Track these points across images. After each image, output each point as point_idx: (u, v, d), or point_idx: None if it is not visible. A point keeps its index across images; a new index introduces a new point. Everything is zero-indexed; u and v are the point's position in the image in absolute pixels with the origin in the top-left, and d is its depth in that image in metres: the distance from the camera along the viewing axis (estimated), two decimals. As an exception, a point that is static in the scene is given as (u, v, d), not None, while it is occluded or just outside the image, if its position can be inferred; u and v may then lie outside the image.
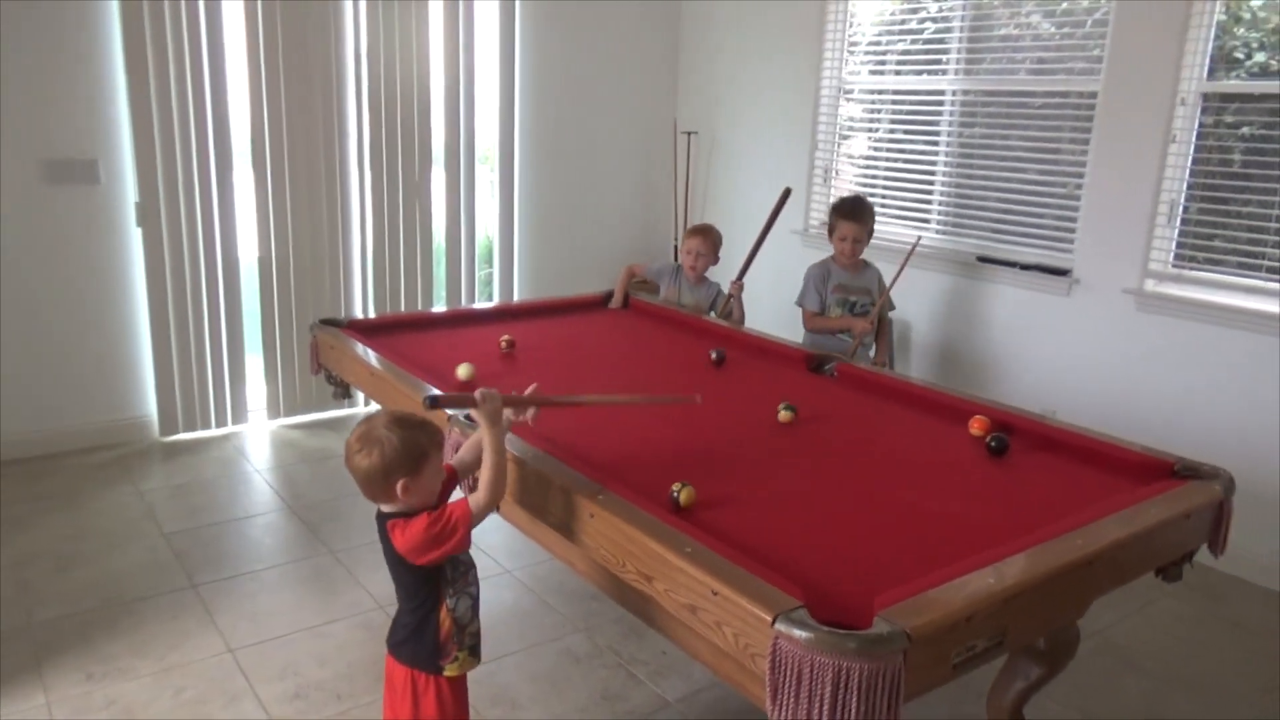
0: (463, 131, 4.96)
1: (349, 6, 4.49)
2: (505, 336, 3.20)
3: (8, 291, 3.98)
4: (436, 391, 1.82)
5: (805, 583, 1.59)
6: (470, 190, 5.07)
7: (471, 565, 1.91)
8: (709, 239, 4.04)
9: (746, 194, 5.38)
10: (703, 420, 2.55)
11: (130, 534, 3.48)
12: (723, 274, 4.20)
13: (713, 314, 3.93)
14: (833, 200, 4.51)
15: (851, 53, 4.92)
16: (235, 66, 4.29)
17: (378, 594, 3.10)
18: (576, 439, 2.28)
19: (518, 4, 5.05)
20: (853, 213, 3.96)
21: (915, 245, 4.10)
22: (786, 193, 4.17)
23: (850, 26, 4.89)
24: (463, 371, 2.74)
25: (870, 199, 4.38)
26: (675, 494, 1.91)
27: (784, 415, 2.53)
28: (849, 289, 4.02)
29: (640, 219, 5.80)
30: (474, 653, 1.93)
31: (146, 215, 4.17)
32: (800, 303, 4.11)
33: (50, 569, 3.21)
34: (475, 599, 1.89)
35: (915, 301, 4.55)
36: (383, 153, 4.72)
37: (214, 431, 4.54)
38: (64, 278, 4.09)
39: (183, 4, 4.08)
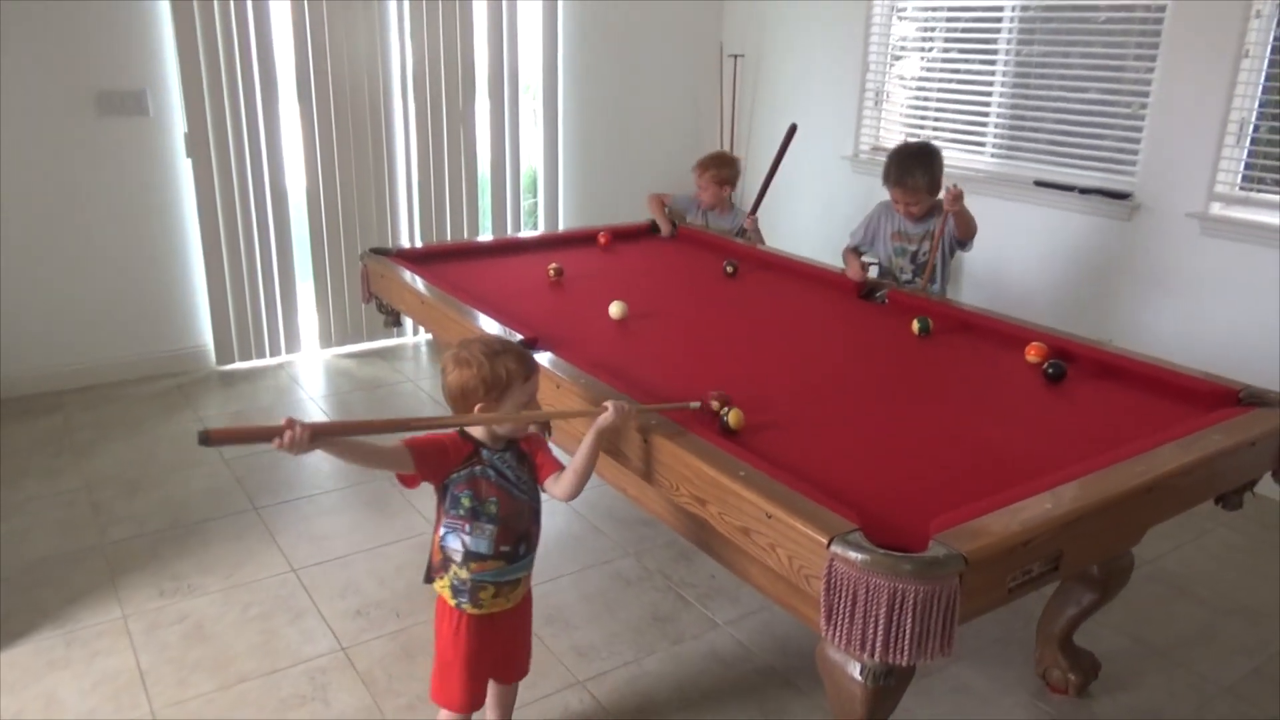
0: (506, 60, 4.90)
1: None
2: (554, 265, 3.19)
3: (66, 223, 4.06)
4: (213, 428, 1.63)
5: (859, 506, 1.59)
6: (514, 119, 5.02)
7: (475, 517, 1.80)
8: (706, 171, 4.04)
9: (794, 117, 5.24)
10: (751, 347, 2.55)
11: (192, 459, 3.59)
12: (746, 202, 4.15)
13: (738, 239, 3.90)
14: (888, 147, 4.38)
15: (906, -32, 4.74)
16: (279, 22, 4.27)
17: (433, 517, 3.17)
18: (626, 364, 2.29)
19: (560, -77, 4.93)
20: (900, 177, 3.39)
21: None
22: (792, 129, 4.08)
23: (905, -60, 4.70)
24: (614, 309, 2.71)
25: (923, 123, 4.27)
26: (724, 416, 1.92)
27: (916, 326, 2.62)
28: (909, 236, 3.51)
29: (686, 146, 5.70)
30: (471, 601, 1.84)
31: (195, 146, 4.20)
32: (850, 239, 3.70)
33: (119, 492, 3.33)
34: (468, 549, 1.80)
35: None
36: (426, 82, 4.68)
37: (268, 361, 4.63)
38: (119, 209, 4.16)
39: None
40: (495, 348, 1.80)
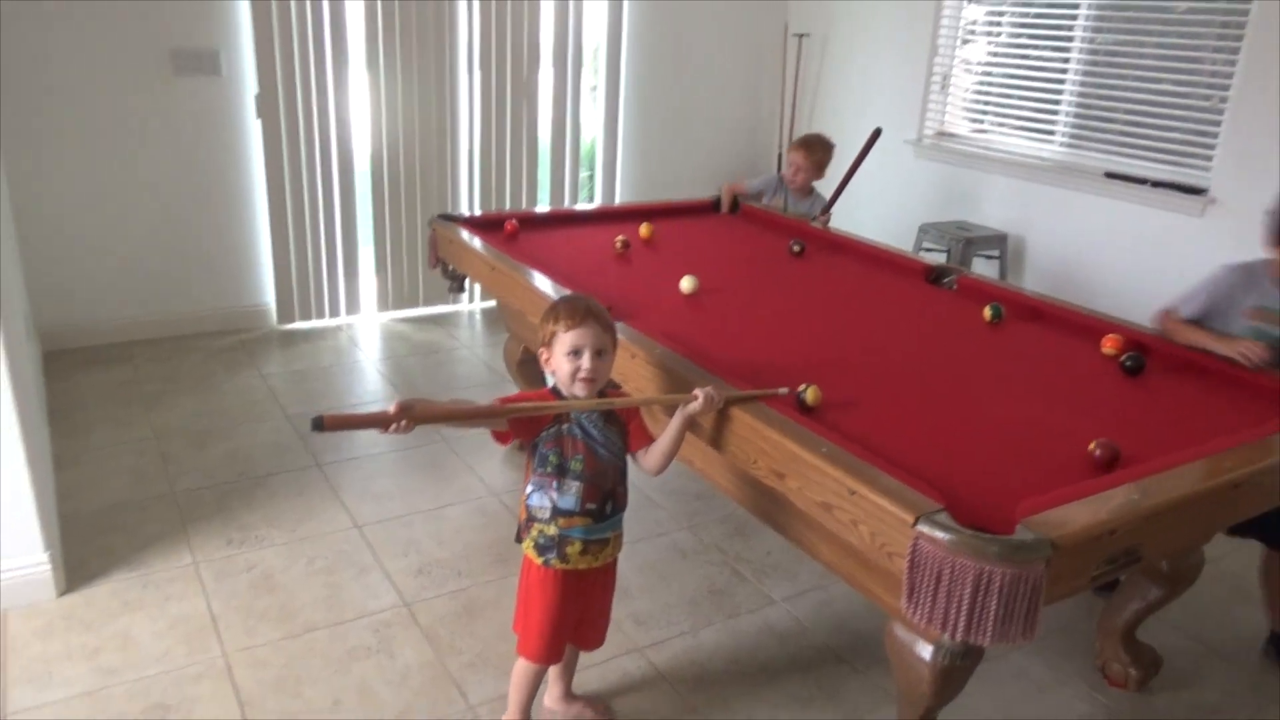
0: (571, 32, 4.90)
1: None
2: (620, 237, 3.21)
3: (138, 179, 4.13)
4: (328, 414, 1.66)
5: (942, 487, 1.60)
6: (576, 92, 5.02)
7: (561, 474, 1.83)
8: (812, 154, 3.96)
9: (858, 100, 5.21)
10: (822, 326, 2.55)
11: (257, 414, 3.67)
12: (827, 187, 4.11)
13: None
14: (953, 132, 4.31)
15: (981, -49, 4.66)
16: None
17: (490, 482, 3.22)
18: (699, 338, 2.30)
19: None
20: None
21: None
22: (876, 134, 3.99)
23: (982, -78, 4.62)
24: (686, 284, 2.73)
25: (987, 109, 4.20)
26: (801, 393, 1.92)
27: (988, 313, 2.62)
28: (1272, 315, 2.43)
29: (746, 125, 5.68)
30: (558, 556, 1.87)
31: (265, 107, 4.25)
32: (1174, 305, 2.58)
33: (188, 443, 3.41)
34: (555, 505, 1.83)
35: (1036, 217, 4.40)
36: (492, 51, 4.69)
37: (328, 322, 4.70)
38: (190, 167, 4.23)
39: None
40: (564, 295, 1.91)
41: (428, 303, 4.92)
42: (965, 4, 4.74)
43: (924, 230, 4.54)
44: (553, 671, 2.16)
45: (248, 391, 3.88)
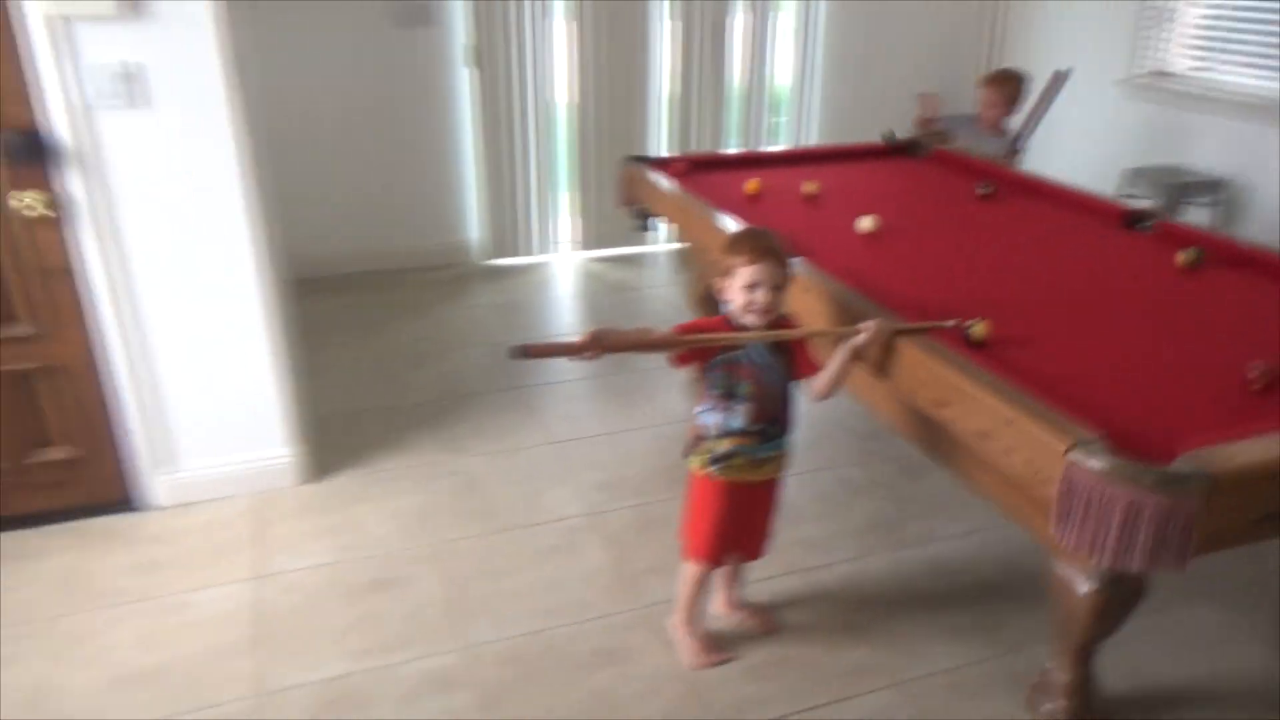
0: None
1: None
2: (808, 182, 3.24)
3: (359, 125, 4.56)
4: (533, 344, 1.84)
5: (1103, 418, 1.63)
6: (765, 33, 5.06)
7: (730, 396, 1.99)
8: (1002, 89, 3.85)
9: (1059, 34, 4.95)
10: (1003, 266, 2.55)
11: (465, 341, 4.04)
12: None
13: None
14: (1171, 71, 4.04)
15: None
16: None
17: (669, 411, 3.43)
18: (874, 275, 2.37)
19: None
20: None
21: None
22: (1061, 76, 3.76)
23: None
24: (865, 223, 2.78)
25: (1211, 46, 3.89)
26: (969, 327, 1.97)
27: (1185, 257, 2.54)
28: None
29: (941, 63, 5.50)
30: (723, 467, 2.05)
31: (475, 57, 4.57)
32: None
33: (407, 364, 3.83)
34: (724, 424, 2.00)
35: (1261, 162, 4.08)
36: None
37: (528, 259, 5.04)
38: (405, 113, 4.62)
39: None
40: (744, 229, 2.06)
41: (621, 243, 5.15)
42: (1196, -72, 4.39)
43: (1129, 175, 4.31)
44: (720, 579, 2.34)
45: (458, 320, 4.27)
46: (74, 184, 2.43)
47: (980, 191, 3.24)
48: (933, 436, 2.06)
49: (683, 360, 2.00)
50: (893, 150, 3.90)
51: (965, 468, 2.00)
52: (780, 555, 2.57)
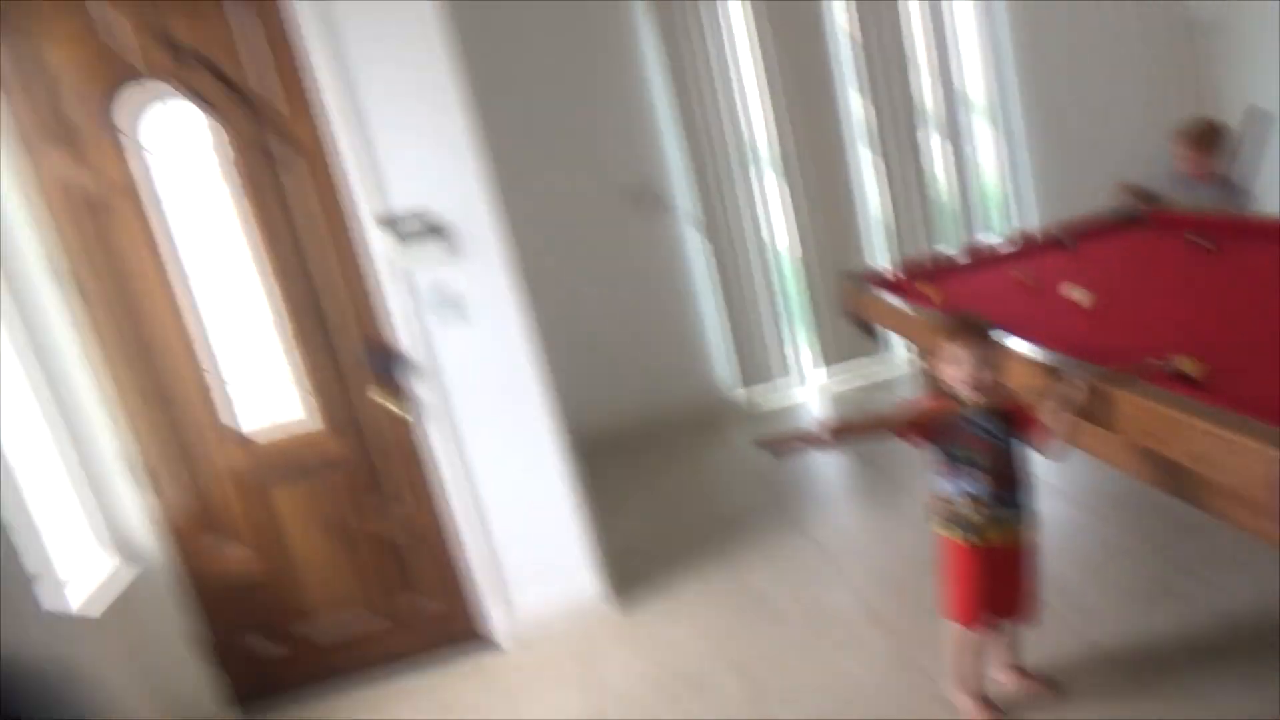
0: (955, 82, 5.28)
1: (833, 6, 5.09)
2: (1020, 270, 3.39)
3: (610, 293, 5.22)
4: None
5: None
6: (967, 137, 5.37)
7: (964, 464, 2.25)
8: (1194, 140, 3.80)
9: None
10: (1226, 322, 2.61)
11: (728, 471, 4.50)
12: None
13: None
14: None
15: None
16: (753, 95, 5.17)
17: (919, 497, 3.62)
18: (1092, 340, 2.54)
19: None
20: None
21: None
22: (1256, 113, 3.60)
23: None
24: (1076, 294, 2.91)
25: None
26: (1174, 365, 2.07)
27: None
28: None
29: (1150, 130, 5.37)
30: (971, 533, 2.28)
31: (703, 225, 5.19)
32: None
33: (682, 500, 4.35)
34: (963, 490, 2.26)
35: None
36: (879, 125, 5.22)
37: (776, 386, 5.43)
38: (650, 279, 5.26)
39: (710, 49, 5.02)
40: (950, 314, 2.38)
41: (859, 354, 5.40)
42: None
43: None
44: (996, 646, 2.50)
45: (719, 454, 4.75)
46: (419, 386, 3.17)
47: (1197, 242, 3.25)
48: (1176, 478, 2.17)
49: (914, 437, 2.29)
50: (1112, 226, 3.98)
51: (1237, 514, 2.04)
52: (1053, 620, 2.68)
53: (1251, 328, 2.45)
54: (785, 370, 5.48)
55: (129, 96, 2.90)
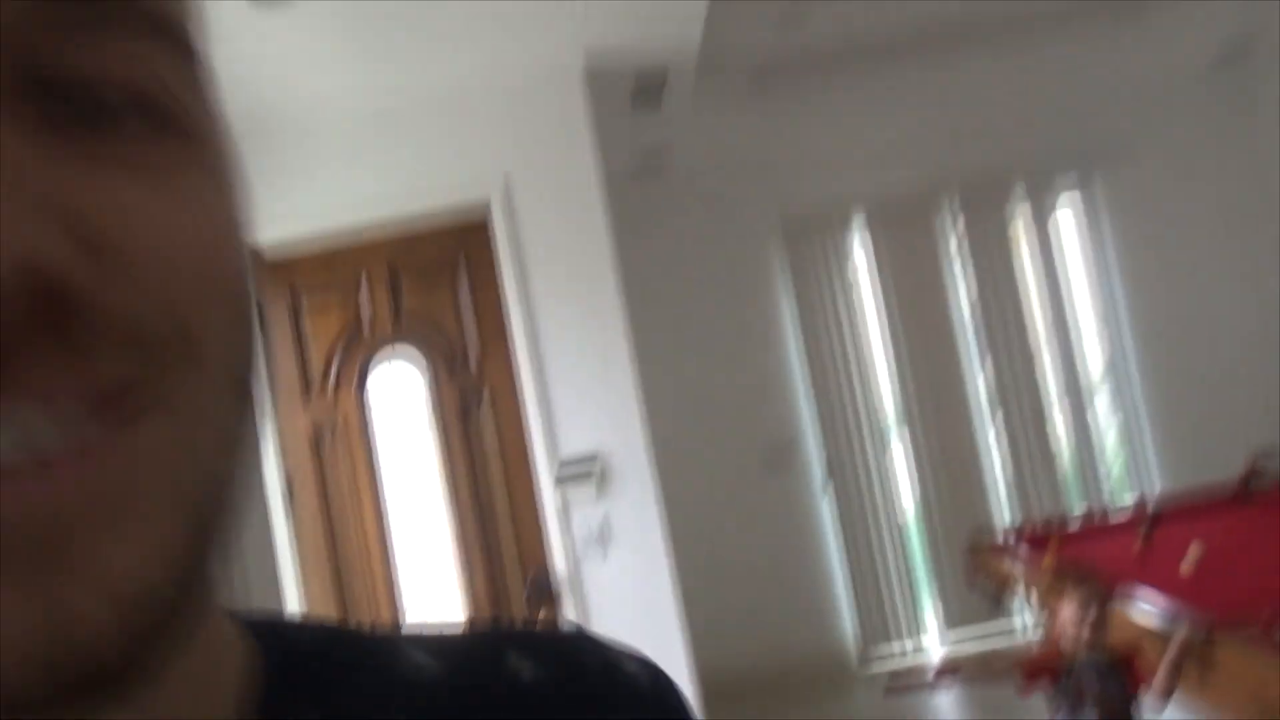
0: (1076, 362, 5.64)
1: (958, 284, 5.63)
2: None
3: (738, 549, 5.46)
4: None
5: None
6: (1091, 417, 5.65)
7: (1079, 709, 2.36)
8: None
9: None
10: None
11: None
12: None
13: None
14: None
15: None
16: (880, 359, 5.66)
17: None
18: (1196, 600, 2.69)
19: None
20: None
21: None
22: None
23: None
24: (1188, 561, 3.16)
25: None
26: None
27: None
28: None
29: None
30: None
31: (831, 480, 5.52)
32: None
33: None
34: None
35: None
36: (1000, 397, 5.56)
37: (902, 645, 5.46)
38: (777, 534, 5.51)
39: (844, 320, 5.58)
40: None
41: (983, 619, 5.43)
42: None
43: None
44: None
45: (839, 713, 4.77)
46: (567, 607, 3.51)
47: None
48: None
49: (1031, 683, 2.46)
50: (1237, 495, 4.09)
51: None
52: None
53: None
54: (909, 631, 5.54)
55: (359, 350, 3.59)
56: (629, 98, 4.12)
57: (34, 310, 0.24)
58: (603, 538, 3.52)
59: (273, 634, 0.39)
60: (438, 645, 0.42)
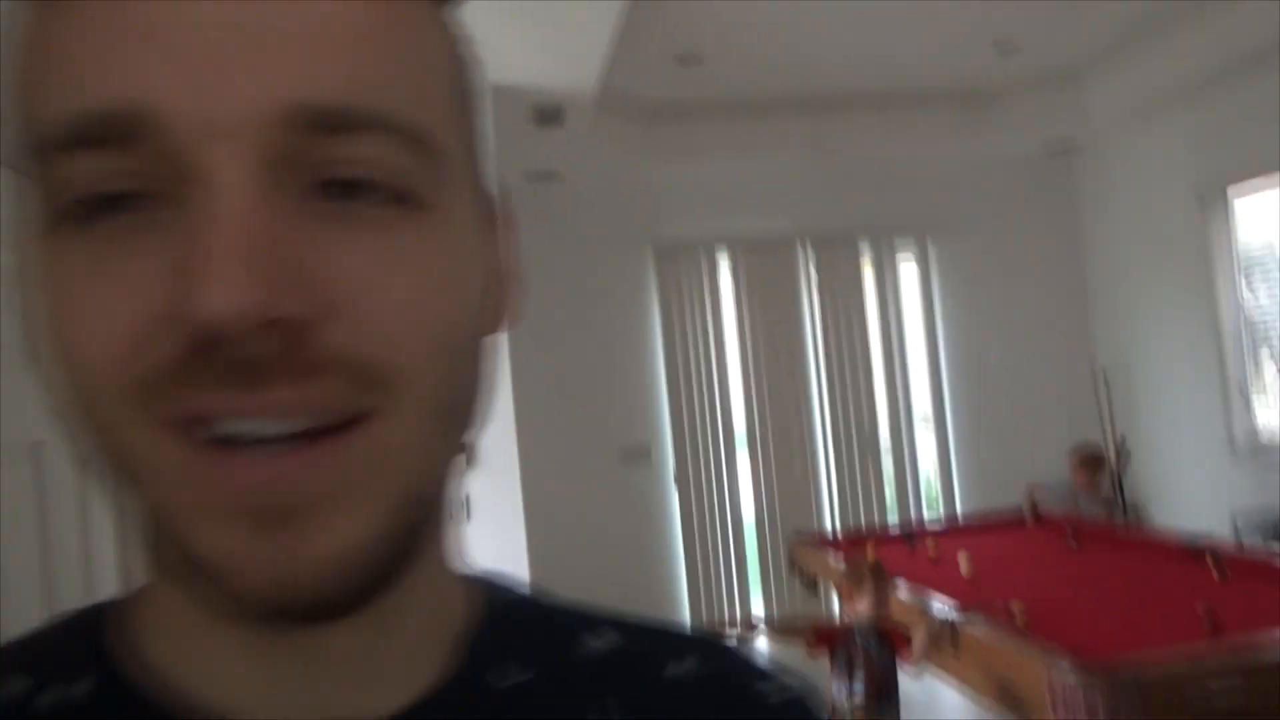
0: (900, 394, 6.34)
1: (809, 319, 6.27)
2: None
3: (595, 532, 5.94)
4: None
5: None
6: (912, 443, 6.36)
7: (850, 676, 2.93)
8: (1081, 467, 4.80)
9: (1161, 400, 5.85)
10: (1060, 584, 3.42)
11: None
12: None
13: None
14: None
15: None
16: (735, 377, 6.23)
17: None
18: (959, 596, 3.31)
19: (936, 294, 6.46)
20: None
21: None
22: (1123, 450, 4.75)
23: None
24: (963, 566, 3.73)
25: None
26: (1009, 609, 2.87)
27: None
28: None
29: (1054, 435, 6.29)
30: None
31: (679, 479, 6.06)
32: None
33: None
34: (847, 692, 2.91)
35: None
36: (840, 417, 6.23)
37: (726, 624, 6.05)
38: (631, 524, 5.99)
39: (705, 340, 6.13)
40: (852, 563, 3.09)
41: (801, 609, 6.04)
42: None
43: (1236, 515, 4.93)
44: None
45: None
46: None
47: (1070, 543, 4.12)
48: (1007, 693, 2.88)
49: (818, 646, 3.03)
50: (1010, 520, 4.86)
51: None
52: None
53: (1073, 595, 3.26)
54: (734, 613, 6.13)
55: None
56: (532, 113, 4.54)
57: (280, 350, 0.30)
58: (466, 508, 3.90)
59: (488, 589, 0.45)
60: (623, 625, 0.48)
